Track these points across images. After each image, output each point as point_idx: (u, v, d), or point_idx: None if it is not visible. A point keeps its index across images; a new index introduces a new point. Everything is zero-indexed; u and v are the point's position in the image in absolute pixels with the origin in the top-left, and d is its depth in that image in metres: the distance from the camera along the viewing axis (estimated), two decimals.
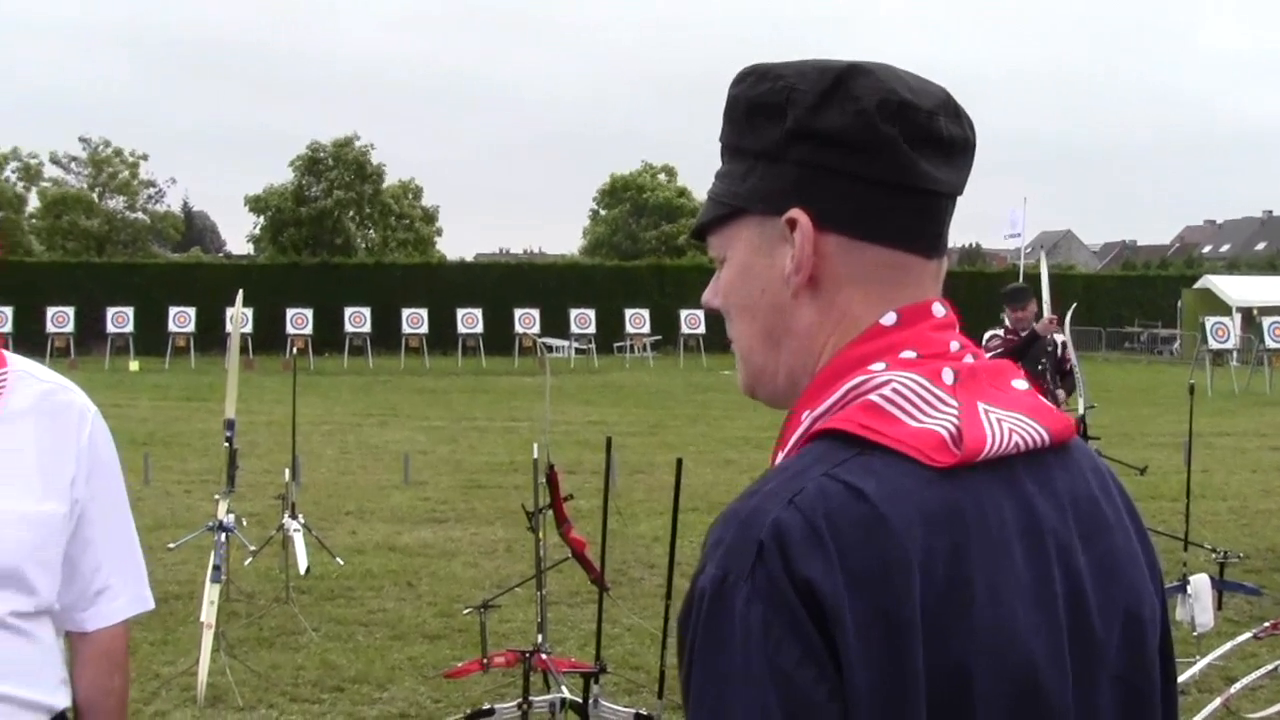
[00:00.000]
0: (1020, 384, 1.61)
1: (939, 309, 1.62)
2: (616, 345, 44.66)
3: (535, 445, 7.43)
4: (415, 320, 42.86)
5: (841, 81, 1.59)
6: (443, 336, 43.29)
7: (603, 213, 67.21)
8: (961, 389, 1.53)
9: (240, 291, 9.36)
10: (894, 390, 1.51)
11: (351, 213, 64.36)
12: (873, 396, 1.51)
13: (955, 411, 1.50)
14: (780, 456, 1.59)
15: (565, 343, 43.64)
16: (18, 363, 2.92)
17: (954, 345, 1.59)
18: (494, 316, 43.36)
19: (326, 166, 63.90)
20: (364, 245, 64.39)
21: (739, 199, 1.65)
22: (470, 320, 43.40)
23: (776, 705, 1.36)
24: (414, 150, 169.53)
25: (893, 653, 1.38)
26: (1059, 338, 12.89)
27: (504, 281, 49.45)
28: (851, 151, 1.57)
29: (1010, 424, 1.52)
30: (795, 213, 1.59)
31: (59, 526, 2.80)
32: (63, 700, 2.90)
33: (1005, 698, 1.44)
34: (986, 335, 12.96)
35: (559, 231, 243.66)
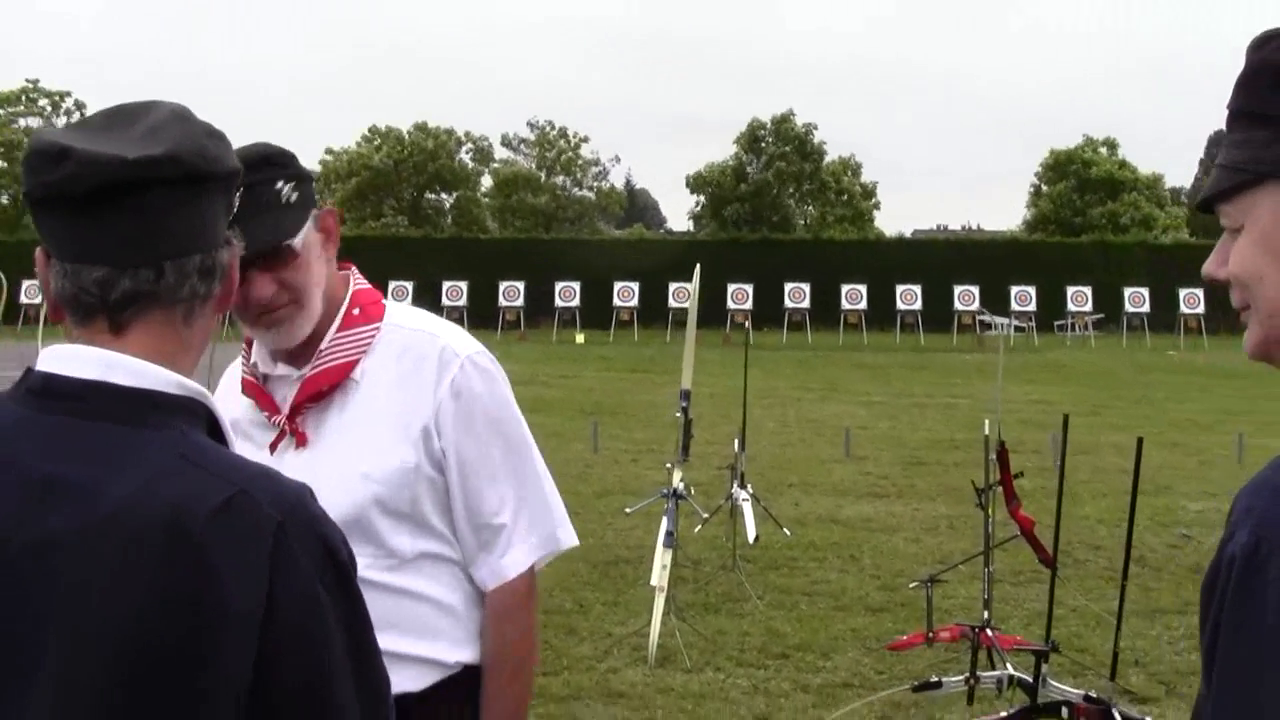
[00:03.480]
0: None
1: None
2: (1057, 324, 43.68)
3: (986, 422, 7.39)
4: (854, 296, 42.97)
5: None
6: (881, 313, 43.25)
7: (1045, 188, 65.65)
8: None
9: (697, 266, 9.54)
10: None
11: (791, 189, 64.91)
12: None
13: None
14: None
15: (1005, 320, 42.94)
16: (393, 316, 3.00)
17: None
18: (933, 293, 43.07)
19: (767, 144, 64.63)
20: (803, 221, 64.84)
21: (1262, 166, 1.60)
22: (909, 297, 43.26)
23: None
24: (851, 127, 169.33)
25: None
26: None
27: (944, 258, 49.01)
28: None
29: None
30: None
31: (409, 476, 2.85)
32: (463, 655, 2.96)
33: None
34: None
35: (996, 207, 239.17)
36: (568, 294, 43.48)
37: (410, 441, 2.86)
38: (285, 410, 2.93)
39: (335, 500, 2.74)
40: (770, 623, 8.94)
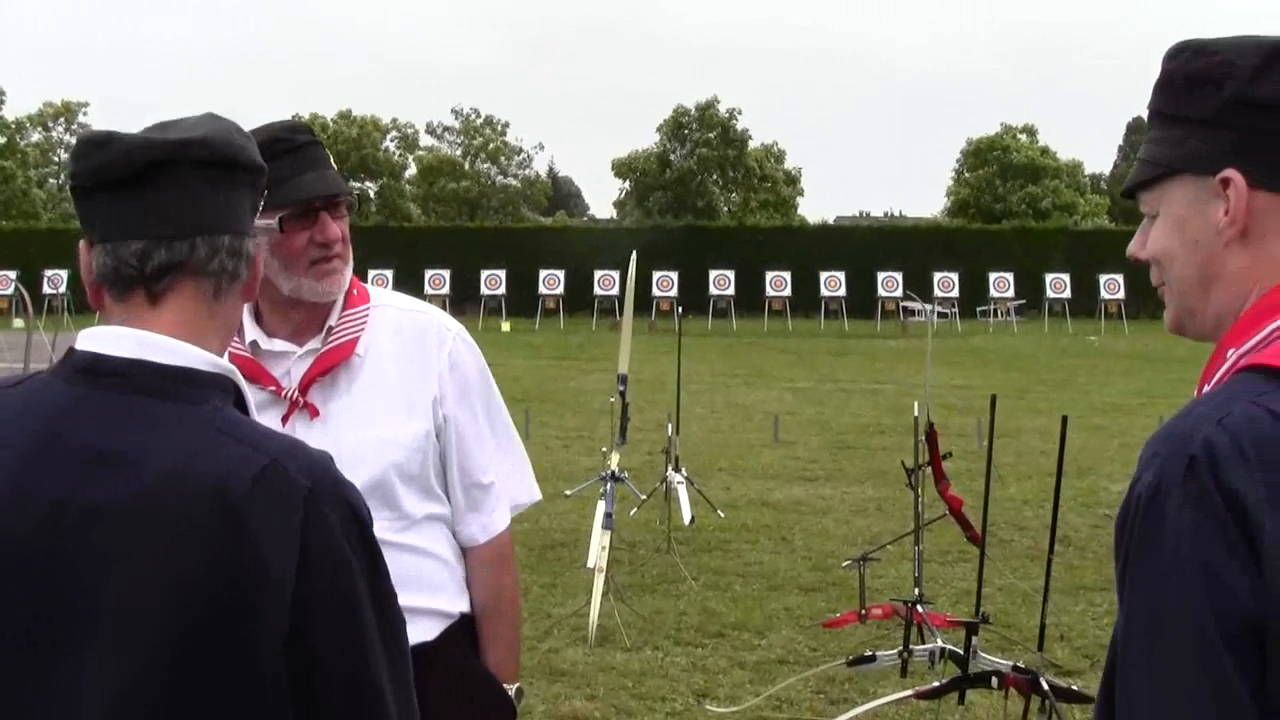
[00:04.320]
0: None
1: None
2: (979, 309, 44.18)
3: (916, 404, 7.60)
4: (778, 283, 43.32)
5: (1277, 55, 1.78)
6: (805, 299, 43.61)
7: (966, 175, 66.35)
8: None
9: (633, 254, 9.71)
10: None
11: (715, 175, 65.19)
12: None
13: None
14: (1207, 387, 1.79)
15: (927, 306, 43.32)
16: (379, 296, 3.26)
17: None
18: (856, 279, 43.45)
19: (691, 130, 64.87)
20: (726, 208, 65.14)
21: (1175, 161, 1.86)
22: (832, 283, 43.63)
23: (1204, 595, 1.57)
24: (775, 113, 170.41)
25: None
26: None
27: (867, 244, 49.43)
28: None
29: None
30: (1230, 172, 1.79)
31: (423, 444, 3.14)
32: (461, 605, 3.26)
33: None
34: None
35: (918, 193, 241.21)
36: (493, 282, 43.56)
37: (422, 411, 3.13)
38: (293, 384, 3.11)
39: (358, 467, 2.99)
40: (706, 603, 9.12)
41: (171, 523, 1.83)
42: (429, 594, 3.16)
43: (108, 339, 1.96)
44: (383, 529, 2.97)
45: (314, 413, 3.11)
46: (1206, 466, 1.60)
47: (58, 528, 1.86)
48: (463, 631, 3.26)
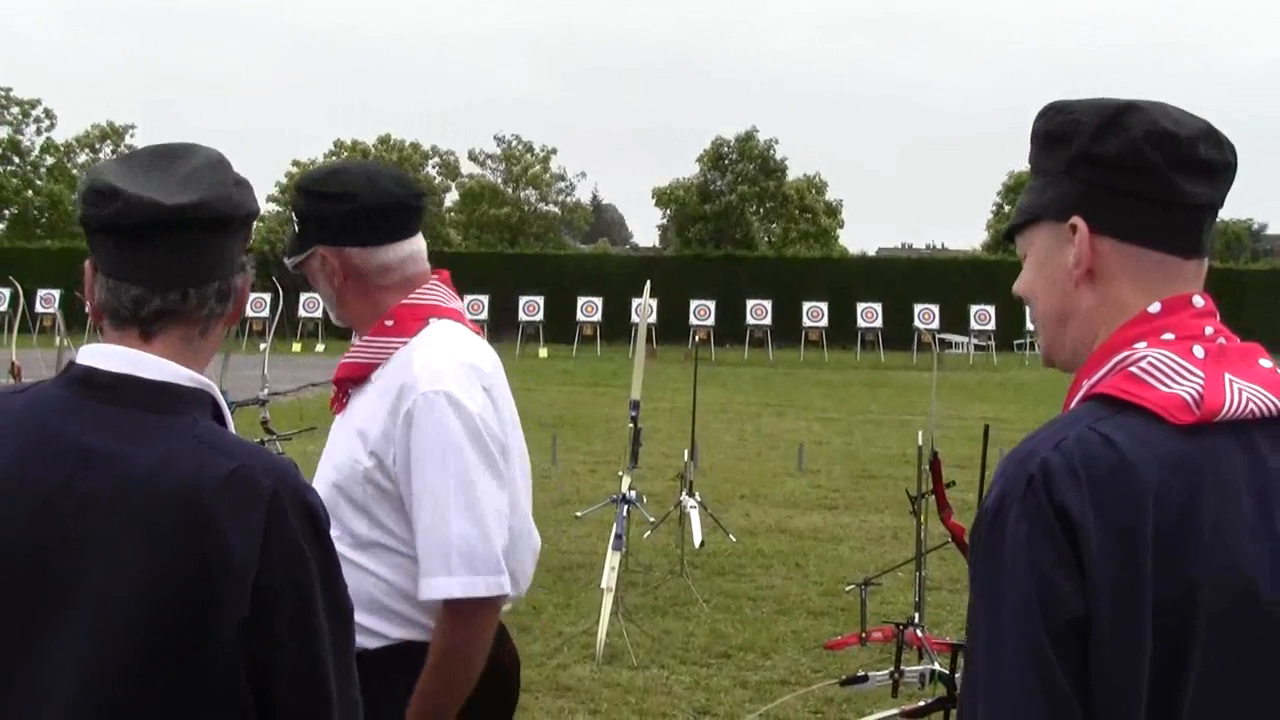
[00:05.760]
0: (1266, 363, 1.98)
1: (1198, 300, 2.01)
2: (1016, 342, 44.16)
3: (920, 433, 7.78)
4: (815, 314, 43.43)
5: (1117, 116, 2.01)
6: (843, 330, 43.68)
7: (1006, 209, 66.38)
8: (1209, 363, 1.93)
9: (648, 282, 9.96)
10: (1149, 363, 1.93)
11: (754, 207, 65.33)
12: (1132, 368, 1.93)
13: (1200, 381, 1.90)
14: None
15: (964, 339, 43.44)
16: (424, 336, 3.34)
17: (1208, 330, 1.99)
18: (894, 311, 43.50)
19: (731, 161, 65.06)
20: (766, 239, 65.26)
21: (1036, 209, 2.10)
22: (869, 315, 43.68)
23: (1035, 595, 1.81)
24: (819, 145, 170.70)
25: (1126, 561, 1.81)
26: None
27: (905, 276, 49.48)
28: (1123, 172, 1.99)
29: (1250, 394, 1.91)
30: (1076, 220, 2.02)
31: (360, 476, 3.21)
32: (399, 632, 3.26)
33: (1225, 609, 1.84)
34: None
35: (961, 226, 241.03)
36: (531, 309, 43.79)
37: (365, 448, 3.22)
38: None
39: (321, 475, 3.29)
40: (715, 624, 9.31)
41: (147, 516, 2.09)
42: (364, 612, 3.06)
43: (103, 356, 2.22)
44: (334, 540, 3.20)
45: (340, 409, 3.43)
46: (1042, 484, 1.84)
47: (48, 518, 2.12)
48: (401, 656, 3.25)
